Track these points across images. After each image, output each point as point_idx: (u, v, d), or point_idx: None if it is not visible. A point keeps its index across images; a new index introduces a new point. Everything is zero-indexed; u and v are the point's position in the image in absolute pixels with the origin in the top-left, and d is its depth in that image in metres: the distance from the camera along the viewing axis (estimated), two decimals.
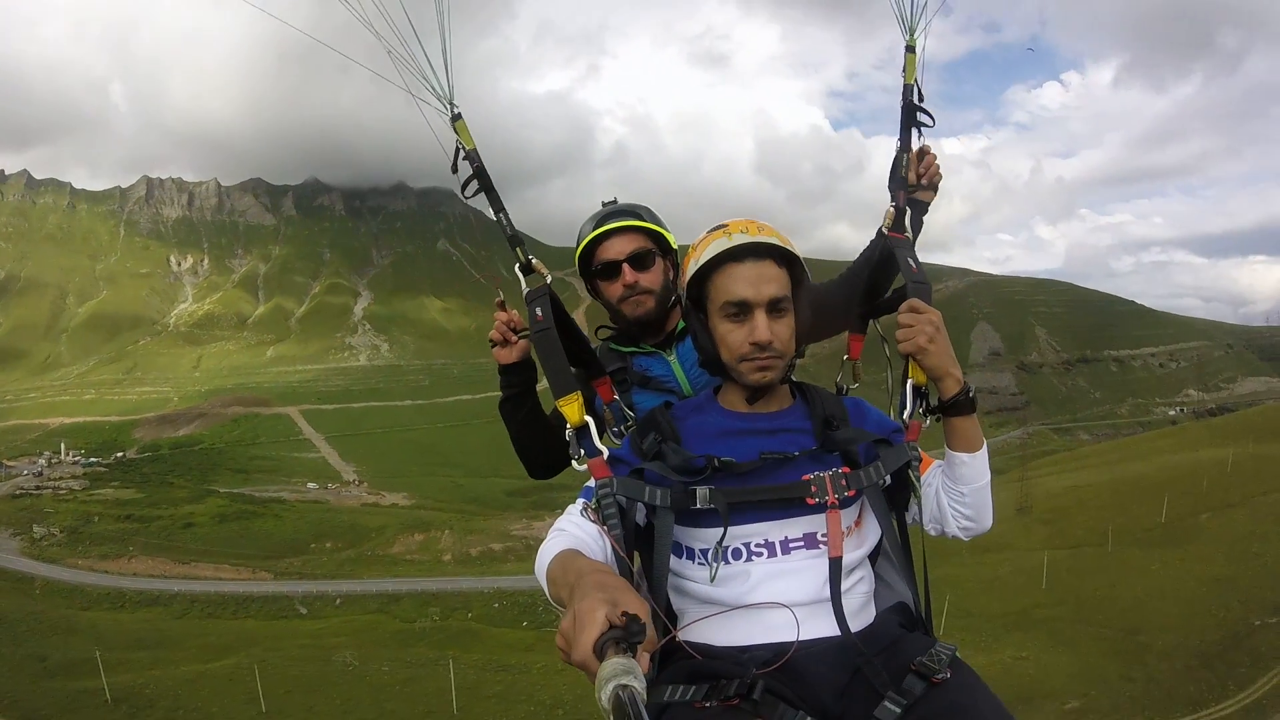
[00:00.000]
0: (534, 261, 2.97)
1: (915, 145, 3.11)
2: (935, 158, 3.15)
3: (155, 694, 57.26)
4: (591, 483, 2.46)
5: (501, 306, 3.12)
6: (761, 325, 2.35)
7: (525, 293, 2.88)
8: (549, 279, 2.92)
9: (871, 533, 2.48)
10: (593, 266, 3.19)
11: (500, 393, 3.19)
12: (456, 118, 2.98)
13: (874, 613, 2.44)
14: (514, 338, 3.08)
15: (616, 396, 3.07)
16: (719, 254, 2.38)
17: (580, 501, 2.42)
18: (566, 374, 2.67)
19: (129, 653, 64.09)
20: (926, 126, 3.09)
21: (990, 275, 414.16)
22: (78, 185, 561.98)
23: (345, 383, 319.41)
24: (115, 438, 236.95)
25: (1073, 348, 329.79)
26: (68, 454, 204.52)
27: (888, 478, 2.45)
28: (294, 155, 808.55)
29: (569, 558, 2.08)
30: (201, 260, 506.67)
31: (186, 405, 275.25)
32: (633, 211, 3.27)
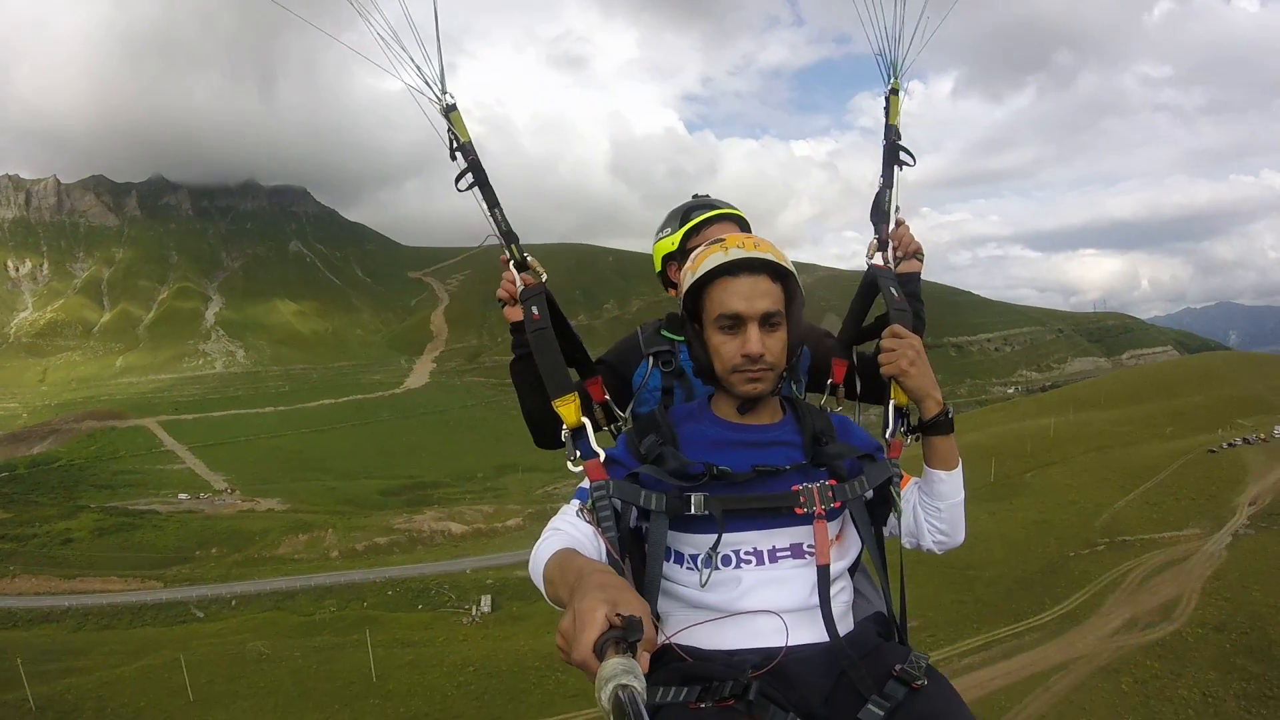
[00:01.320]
0: (529, 259, 3.02)
1: (896, 182, 3.34)
2: (907, 229, 3.36)
3: (78, 698, 61.56)
4: (586, 484, 2.52)
5: (508, 264, 3.10)
6: (753, 338, 2.42)
7: (519, 291, 2.97)
8: (544, 278, 3.02)
9: (852, 546, 2.61)
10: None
11: (511, 353, 3.23)
12: (451, 108, 2.99)
13: (853, 622, 2.55)
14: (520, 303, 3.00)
15: (607, 396, 3.22)
16: (715, 268, 2.45)
17: (575, 502, 2.48)
18: (563, 374, 2.72)
19: (37, 666, 66.08)
20: (908, 165, 3.36)
21: (836, 270, 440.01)
22: None
23: (202, 391, 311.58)
24: None
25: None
26: None
27: (870, 492, 2.57)
28: (138, 151, 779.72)
29: (567, 557, 2.11)
30: (41, 265, 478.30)
31: (37, 421, 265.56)
32: (728, 205, 3.47)
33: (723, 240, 2.51)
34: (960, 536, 2.67)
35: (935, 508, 2.66)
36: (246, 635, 77.51)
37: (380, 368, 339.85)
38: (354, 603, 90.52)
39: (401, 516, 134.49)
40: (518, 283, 3.02)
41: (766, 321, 2.45)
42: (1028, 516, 62.74)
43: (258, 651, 69.88)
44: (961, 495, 2.65)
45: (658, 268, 3.55)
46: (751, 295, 2.43)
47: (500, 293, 3.12)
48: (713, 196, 3.52)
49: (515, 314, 3.05)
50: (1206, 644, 30.05)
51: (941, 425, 2.65)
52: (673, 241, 3.40)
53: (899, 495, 2.63)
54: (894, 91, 3.25)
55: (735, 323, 2.44)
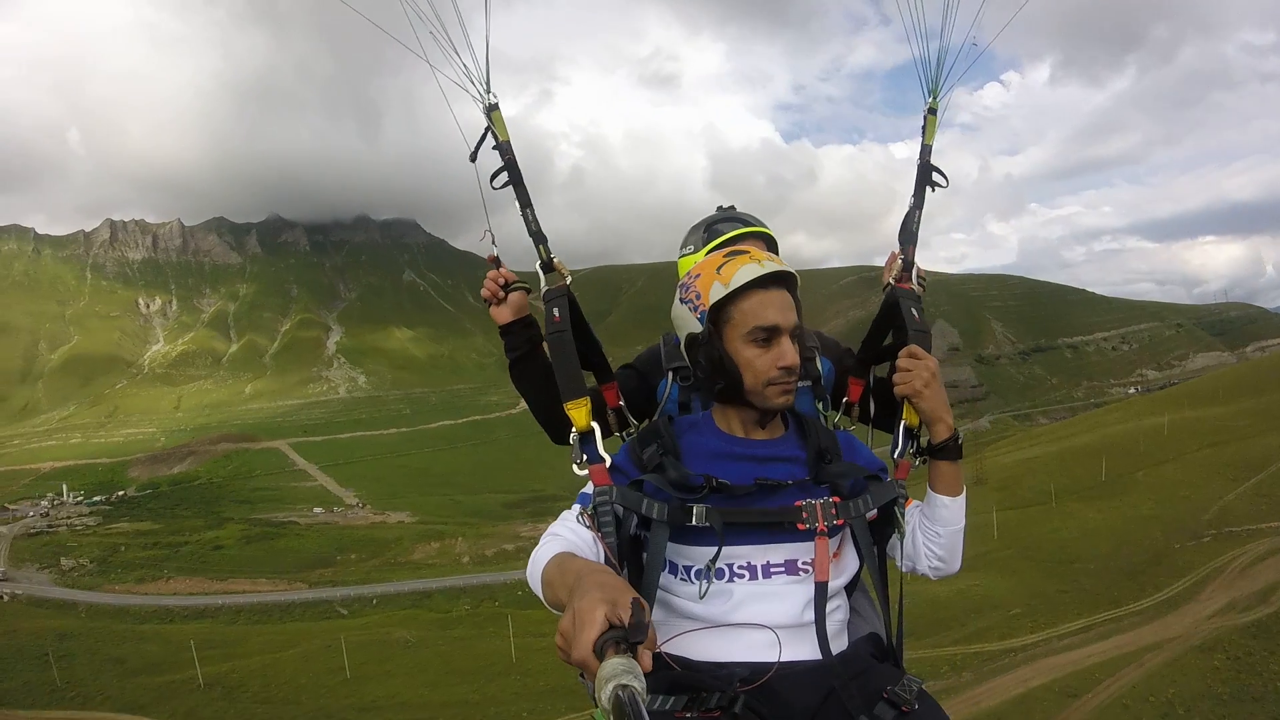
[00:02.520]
0: (555, 260, 2.93)
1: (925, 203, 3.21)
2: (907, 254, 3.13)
3: (242, 677, 65.95)
4: (589, 489, 2.49)
5: (495, 262, 3.07)
6: (790, 351, 2.41)
7: (544, 291, 2.91)
8: (569, 279, 2.91)
9: (850, 564, 2.56)
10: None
11: (506, 358, 3.15)
12: (494, 107, 2.96)
13: (847, 641, 2.51)
14: (503, 294, 3.05)
15: (622, 403, 3.17)
16: (753, 279, 2.39)
17: (576, 507, 2.44)
18: (578, 378, 2.69)
19: (199, 652, 70.08)
20: (940, 187, 3.22)
21: (945, 274, 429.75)
22: (41, 231, 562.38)
23: (327, 415, 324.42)
24: (111, 478, 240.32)
25: (1028, 338, 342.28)
26: (69, 495, 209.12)
27: (874, 511, 2.53)
28: (255, 193, 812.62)
29: (566, 559, 2.07)
30: (170, 301, 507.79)
31: (175, 444, 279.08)
32: (758, 221, 3.38)
33: (746, 252, 2.50)
34: (957, 565, 2.66)
35: (935, 533, 2.62)
36: (390, 628, 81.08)
37: (495, 389, 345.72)
38: (486, 602, 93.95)
39: (526, 525, 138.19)
40: (518, 286, 3.09)
41: (793, 334, 2.45)
42: (1136, 512, 61.70)
43: (404, 639, 74.40)
44: (962, 523, 2.63)
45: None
46: (785, 307, 2.42)
47: (484, 292, 3.09)
48: (738, 209, 3.45)
49: (502, 315, 3.06)
50: None
51: (950, 450, 2.63)
52: (698, 259, 3.20)
53: (903, 517, 2.62)
54: (931, 111, 3.22)
55: (770, 335, 2.41)
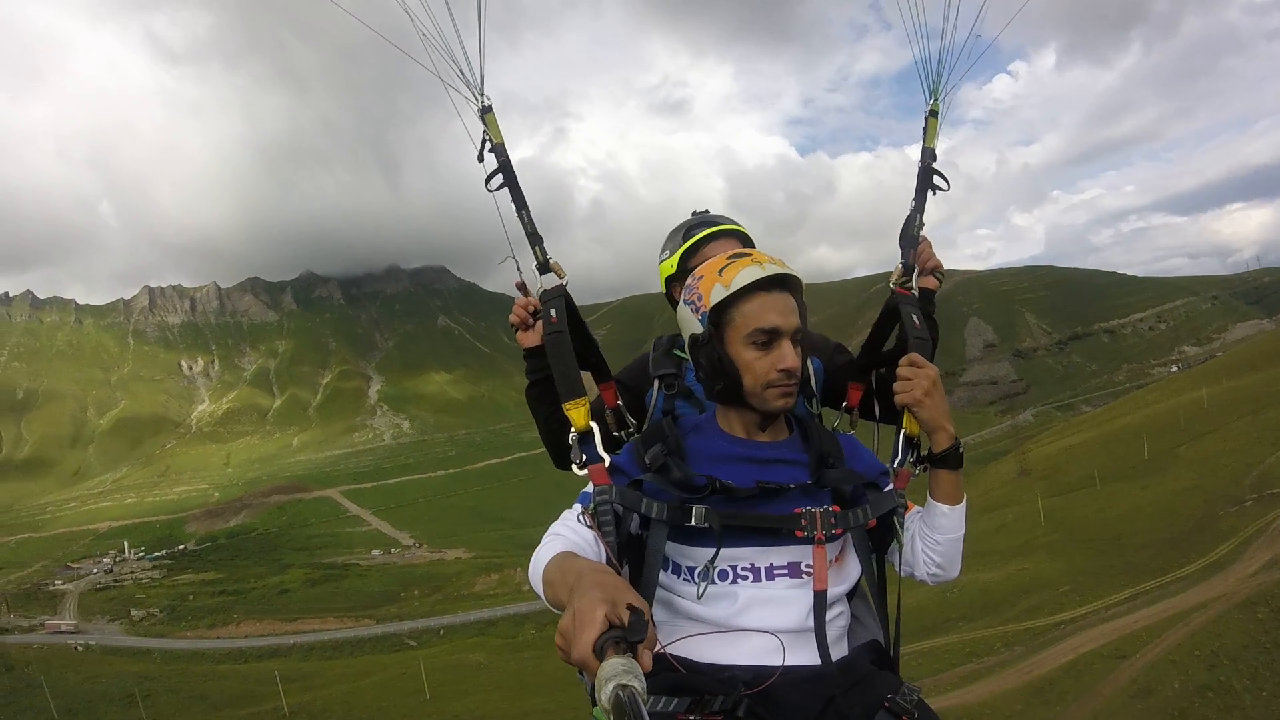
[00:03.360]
0: (552, 261, 2.95)
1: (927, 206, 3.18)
2: (928, 244, 3.18)
3: (325, 704, 68.35)
4: (589, 488, 2.48)
5: (521, 289, 3.05)
6: (791, 353, 2.39)
7: (540, 292, 2.91)
8: (566, 280, 2.94)
9: (852, 570, 2.55)
10: (691, 265, 3.03)
11: (527, 379, 3.17)
12: (487, 110, 2.98)
13: (848, 648, 2.49)
14: (533, 321, 3.03)
15: (620, 403, 3.18)
16: (754, 281, 2.39)
17: (577, 507, 2.42)
18: (575, 378, 2.69)
19: (280, 685, 72.62)
20: (941, 190, 3.19)
21: (974, 271, 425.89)
22: (81, 301, 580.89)
23: (375, 461, 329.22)
24: (169, 534, 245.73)
25: (1063, 327, 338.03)
26: (131, 552, 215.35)
27: (874, 520, 2.51)
28: (287, 251, 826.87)
29: (566, 559, 2.05)
30: (211, 362, 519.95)
31: (229, 498, 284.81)
32: (729, 220, 3.38)
33: (749, 254, 2.49)
34: (955, 571, 2.64)
35: (934, 540, 2.59)
36: (461, 654, 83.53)
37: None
38: (551, 625, 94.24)
39: None
40: (530, 307, 3.04)
41: (795, 337, 2.44)
42: (1179, 485, 62.16)
43: (476, 662, 76.97)
44: (961, 531, 2.61)
45: (663, 289, 3.43)
46: (786, 310, 2.42)
47: (512, 318, 3.08)
48: (712, 212, 3.45)
49: (529, 339, 3.07)
50: None
51: (950, 459, 2.59)
52: (671, 264, 3.33)
53: (902, 527, 2.59)
54: (933, 113, 3.17)
55: (770, 338, 2.40)
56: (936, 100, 3.13)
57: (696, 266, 2.79)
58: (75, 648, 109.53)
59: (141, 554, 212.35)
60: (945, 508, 2.57)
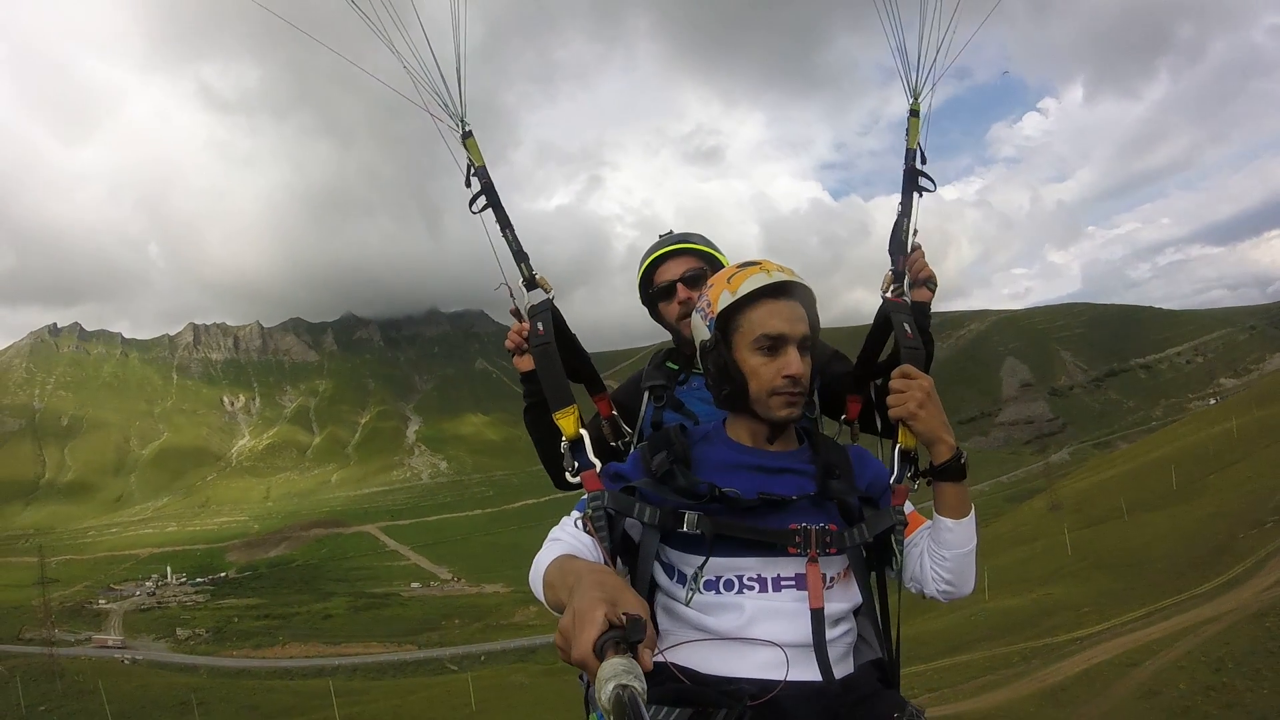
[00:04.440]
0: (539, 277, 3.03)
1: (915, 209, 3.16)
2: (921, 254, 3.15)
3: (374, 715, 70.48)
4: (585, 494, 2.50)
5: (517, 315, 3.10)
6: (796, 360, 2.38)
7: (529, 307, 2.98)
8: (552, 294, 2.99)
9: (859, 587, 2.49)
10: (650, 289, 3.33)
11: (524, 401, 3.22)
12: (468, 135, 3.06)
13: (853, 665, 2.44)
14: (528, 345, 3.03)
15: (614, 413, 3.23)
16: (760, 288, 2.41)
17: (575, 513, 2.44)
18: (564, 387, 2.72)
19: (327, 698, 74.38)
20: (928, 190, 3.18)
21: (1009, 311, 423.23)
22: (127, 335, 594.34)
23: (412, 499, 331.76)
24: (210, 561, 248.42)
25: (1099, 364, 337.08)
26: (173, 576, 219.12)
27: (871, 539, 2.46)
28: (329, 293, 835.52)
29: (566, 561, 2.05)
30: (253, 399, 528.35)
31: (269, 530, 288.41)
32: (687, 237, 3.42)
33: (758, 263, 2.50)
34: (968, 587, 2.54)
35: (941, 556, 2.49)
36: (504, 676, 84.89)
37: None
38: None
39: None
40: (525, 332, 3.07)
41: (803, 345, 2.43)
42: (1202, 512, 61.87)
43: (519, 683, 79.06)
44: (971, 545, 2.50)
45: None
46: (793, 317, 2.41)
47: (508, 343, 3.14)
48: (677, 231, 3.52)
49: (525, 364, 3.12)
50: None
51: (952, 471, 2.49)
52: (638, 288, 3.47)
53: (900, 545, 2.53)
54: (914, 113, 3.17)
55: (776, 344, 2.40)
56: (917, 100, 3.19)
57: (656, 288, 3.28)
58: (123, 661, 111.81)
59: (184, 579, 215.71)
60: (950, 522, 2.48)
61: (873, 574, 2.55)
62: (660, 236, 3.49)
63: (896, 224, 3.11)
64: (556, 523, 2.43)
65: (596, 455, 2.64)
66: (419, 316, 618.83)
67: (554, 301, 2.97)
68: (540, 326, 2.81)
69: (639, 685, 1.40)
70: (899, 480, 2.64)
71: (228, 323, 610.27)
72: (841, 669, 2.32)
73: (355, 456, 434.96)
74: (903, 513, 2.58)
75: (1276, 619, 25.52)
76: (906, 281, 3.04)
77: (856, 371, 3.09)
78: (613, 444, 3.18)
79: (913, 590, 2.61)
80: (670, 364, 3.36)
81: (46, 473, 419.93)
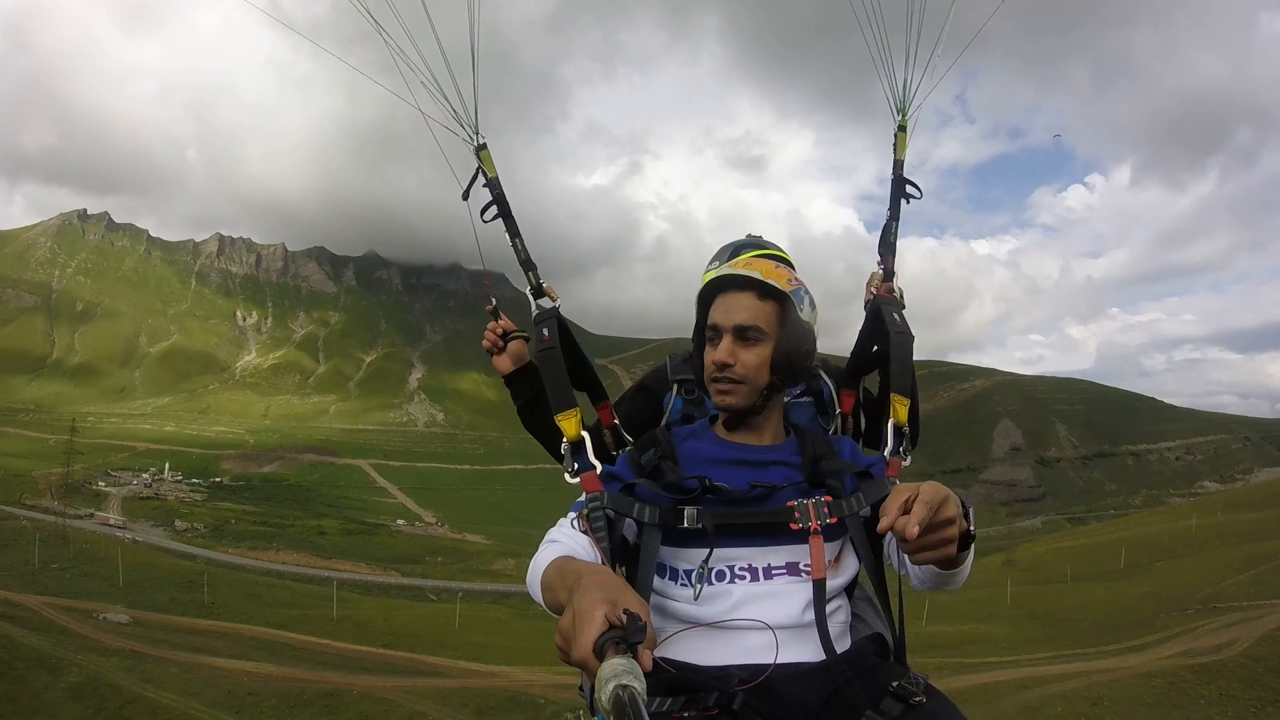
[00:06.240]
0: (545, 285, 3.03)
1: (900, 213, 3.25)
2: (893, 281, 3.13)
3: (367, 617, 75.31)
4: (584, 496, 2.49)
5: (494, 314, 3.13)
6: (723, 347, 2.44)
7: (534, 314, 2.96)
8: (558, 302, 3.00)
9: (850, 566, 2.48)
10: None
11: (514, 404, 3.18)
12: (482, 147, 3.06)
13: (850, 642, 2.41)
14: (503, 344, 3.12)
15: (617, 421, 3.12)
16: (706, 284, 2.55)
17: (572, 514, 2.43)
18: (566, 391, 2.71)
19: (323, 599, 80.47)
20: (915, 198, 3.28)
21: (1016, 375, 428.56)
22: (153, 233, 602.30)
23: (406, 444, 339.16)
24: (205, 466, 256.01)
25: (1091, 443, 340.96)
26: (169, 473, 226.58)
27: (868, 508, 2.43)
28: (357, 228, 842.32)
29: (565, 562, 2.03)
30: (265, 318, 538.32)
31: (264, 447, 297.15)
32: (757, 247, 3.29)
33: (733, 260, 2.61)
34: (954, 588, 2.39)
35: (917, 569, 2.32)
36: (478, 612, 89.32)
37: None
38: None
39: None
40: (501, 330, 3.12)
41: (742, 335, 2.45)
42: (1139, 590, 67.02)
43: (496, 618, 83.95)
44: (956, 585, 2.32)
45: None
46: (731, 309, 2.46)
47: (484, 344, 3.17)
48: (765, 238, 3.44)
49: (503, 365, 3.14)
50: (1241, 667, 30.72)
51: (964, 540, 2.08)
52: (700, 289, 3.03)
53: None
54: (901, 129, 3.26)
55: (715, 334, 2.49)
56: (905, 116, 3.28)
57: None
58: (126, 539, 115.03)
59: (180, 478, 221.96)
60: (944, 572, 2.22)
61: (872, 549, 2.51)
62: (749, 236, 3.46)
63: (885, 227, 3.26)
64: (549, 519, 2.57)
65: (597, 459, 2.65)
66: (441, 268, 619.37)
67: (559, 310, 2.99)
68: (545, 332, 2.85)
69: (639, 685, 1.40)
70: (893, 452, 2.70)
71: (253, 239, 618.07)
72: (839, 646, 2.31)
73: (356, 392, 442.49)
74: (896, 483, 2.52)
75: (1162, 680, 29.30)
76: (896, 280, 3.11)
77: (850, 367, 3.13)
78: (614, 452, 3.05)
79: (900, 573, 2.49)
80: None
81: (55, 352, 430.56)
